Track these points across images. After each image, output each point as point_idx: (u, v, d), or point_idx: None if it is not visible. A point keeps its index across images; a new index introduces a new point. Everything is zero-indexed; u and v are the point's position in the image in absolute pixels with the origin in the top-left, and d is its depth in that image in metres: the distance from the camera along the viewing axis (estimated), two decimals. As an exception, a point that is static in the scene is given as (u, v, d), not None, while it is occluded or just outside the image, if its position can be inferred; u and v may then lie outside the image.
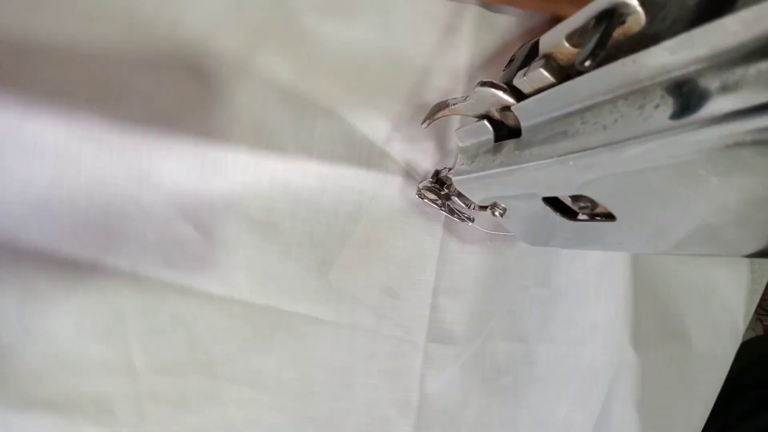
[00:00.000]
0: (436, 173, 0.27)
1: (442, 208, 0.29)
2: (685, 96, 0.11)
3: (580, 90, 0.13)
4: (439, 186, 0.27)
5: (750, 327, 0.48)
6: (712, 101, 0.10)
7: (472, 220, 0.29)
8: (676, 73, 0.11)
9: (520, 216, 0.20)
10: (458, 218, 0.29)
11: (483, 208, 0.22)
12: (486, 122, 0.18)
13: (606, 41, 0.12)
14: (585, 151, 0.13)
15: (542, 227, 0.19)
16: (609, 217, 0.15)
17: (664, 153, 0.11)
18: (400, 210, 0.30)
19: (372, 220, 0.30)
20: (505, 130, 0.18)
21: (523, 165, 0.16)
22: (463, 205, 0.29)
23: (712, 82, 0.11)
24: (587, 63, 0.13)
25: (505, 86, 0.17)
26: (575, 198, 0.16)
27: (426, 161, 0.30)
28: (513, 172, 0.17)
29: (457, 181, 0.21)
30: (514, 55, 0.17)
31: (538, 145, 0.15)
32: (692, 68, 0.11)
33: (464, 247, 0.31)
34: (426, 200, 0.29)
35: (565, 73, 0.15)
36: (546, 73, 0.15)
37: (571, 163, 0.14)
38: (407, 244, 0.30)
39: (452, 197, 0.28)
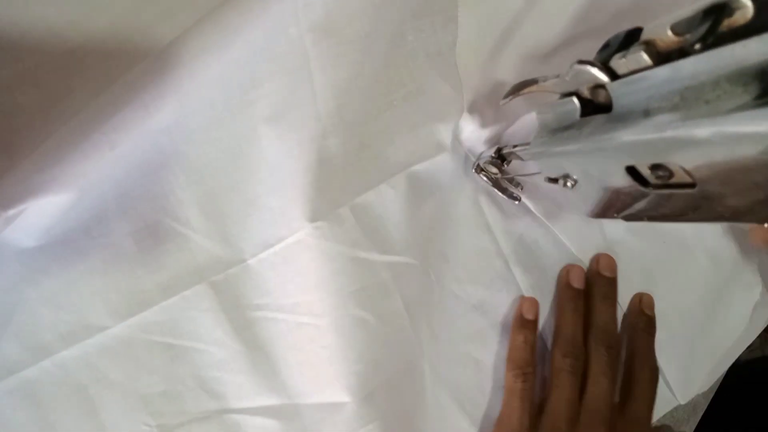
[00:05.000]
0: (499, 149, 0.29)
1: (495, 185, 0.32)
2: None
3: (685, 69, 0.16)
4: (500, 161, 0.29)
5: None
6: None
7: (519, 200, 0.32)
8: None
9: (590, 187, 0.22)
10: (508, 196, 0.32)
11: (553, 180, 0.24)
12: (574, 98, 0.21)
13: (716, 29, 0.15)
14: (685, 121, 0.16)
15: (612, 198, 0.22)
16: (687, 186, 0.18)
17: (761, 124, 0.14)
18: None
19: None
20: (591, 107, 0.21)
21: (615, 135, 0.18)
22: (510, 184, 0.32)
23: None
24: (697, 46, 0.15)
25: (601, 65, 0.19)
26: (654, 167, 0.19)
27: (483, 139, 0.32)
28: (602, 143, 0.19)
29: (534, 154, 0.24)
30: (608, 42, 0.20)
31: (633, 118, 0.18)
32: None
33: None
34: (482, 174, 0.31)
35: (661, 58, 0.17)
36: (645, 56, 0.17)
37: (669, 132, 0.16)
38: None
39: (505, 175, 0.31)
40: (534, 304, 0.33)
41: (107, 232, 0.24)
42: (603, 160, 0.20)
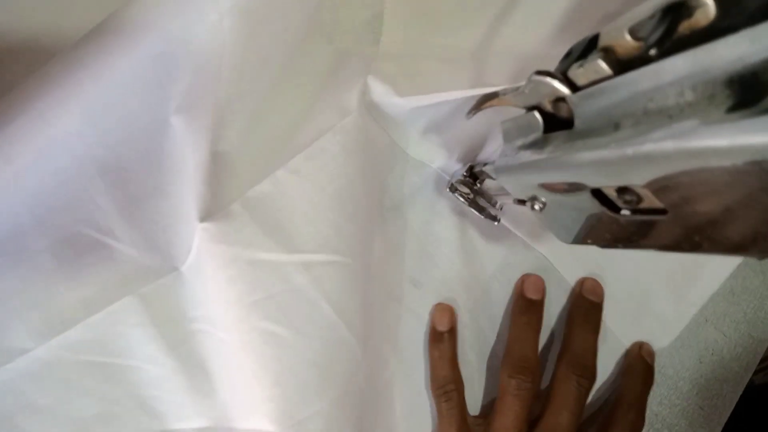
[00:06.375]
0: (470, 168, 0.27)
1: (471, 205, 0.29)
2: (758, 85, 0.11)
3: (645, 79, 0.14)
4: (472, 180, 0.27)
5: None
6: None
7: (498, 220, 0.30)
8: (750, 64, 0.11)
9: (561, 210, 0.20)
10: (486, 216, 0.30)
11: (521, 202, 0.22)
12: (536, 113, 0.19)
13: (673, 31, 0.13)
14: (647, 139, 0.13)
15: (582, 222, 0.20)
16: (658, 212, 0.16)
17: (737, 139, 0.11)
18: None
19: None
20: (555, 122, 0.19)
21: (577, 154, 0.16)
22: (489, 204, 0.29)
23: None
24: (652, 52, 0.13)
25: (561, 76, 0.17)
26: (621, 191, 0.16)
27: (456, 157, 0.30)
28: (564, 162, 0.17)
29: (499, 173, 0.22)
30: (571, 49, 0.18)
31: (595, 135, 0.16)
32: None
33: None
34: (457, 194, 0.29)
35: (622, 66, 0.15)
36: (604, 65, 0.15)
37: (630, 151, 0.14)
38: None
39: (482, 194, 0.29)
40: (445, 311, 0.29)
41: (22, 248, 0.22)
42: (568, 181, 0.18)
